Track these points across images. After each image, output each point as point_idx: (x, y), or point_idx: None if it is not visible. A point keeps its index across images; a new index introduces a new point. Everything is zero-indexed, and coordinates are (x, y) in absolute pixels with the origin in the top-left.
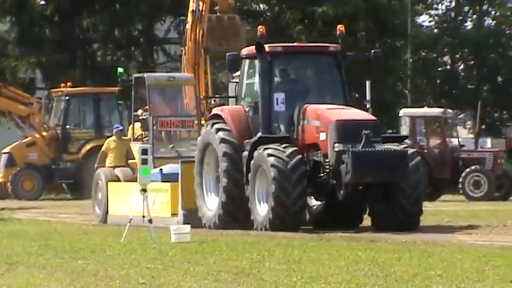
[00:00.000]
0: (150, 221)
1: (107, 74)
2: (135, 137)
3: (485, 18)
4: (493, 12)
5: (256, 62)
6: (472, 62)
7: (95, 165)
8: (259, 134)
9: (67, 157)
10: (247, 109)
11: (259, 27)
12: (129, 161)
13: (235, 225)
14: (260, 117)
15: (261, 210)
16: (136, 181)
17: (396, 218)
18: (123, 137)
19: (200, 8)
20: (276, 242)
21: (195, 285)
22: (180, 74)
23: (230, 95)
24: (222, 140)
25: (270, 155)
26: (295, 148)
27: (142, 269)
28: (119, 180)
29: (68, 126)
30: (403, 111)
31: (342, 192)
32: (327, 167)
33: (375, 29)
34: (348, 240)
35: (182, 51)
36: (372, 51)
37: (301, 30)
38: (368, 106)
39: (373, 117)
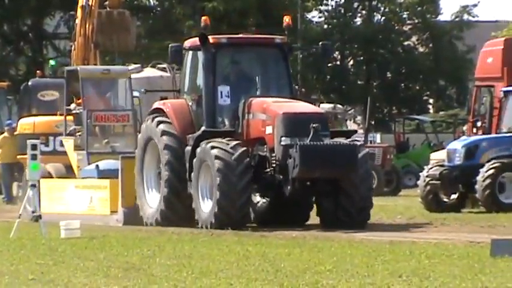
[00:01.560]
0: (40, 216)
1: None
2: (68, 131)
3: (375, 14)
4: (382, 8)
5: (200, 53)
6: (362, 58)
7: None
8: (202, 128)
9: None
10: (190, 103)
11: (203, 17)
12: (19, 156)
13: (178, 221)
14: (204, 111)
15: (205, 207)
16: (69, 177)
17: (346, 212)
18: (15, 133)
19: (90, 3)
20: (167, 238)
21: (85, 281)
22: (115, 67)
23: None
24: (164, 133)
25: (213, 147)
26: (239, 141)
27: (32, 264)
28: (50, 176)
29: None
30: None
31: (289, 187)
32: (274, 161)
33: (265, 25)
34: (238, 236)
35: (72, 46)
36: (320, 43)
37: (191, 25)
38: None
39: (321, 110)
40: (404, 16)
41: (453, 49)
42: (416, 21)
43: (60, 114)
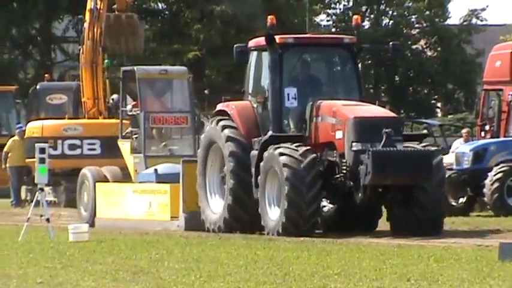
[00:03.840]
0: (48, 220)
1: (4, 73)
2: (123, 134)
3: (383, 17)
4: (390, 12)
5: (264, 54)
6: (370, 62)
7: (2, 166)
8: (269, 133)
9: None
10: (255, 105)
11: (269, 17)
12: (27, 160)
13: (242, 230)
14: (270, 114)
15: (273, 214)
16: (125, 181)
17: (418, 221)
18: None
19: (98, 7)
20: (175, 241)
21: (93, 285)
22: (172, 67)
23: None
24: (229, 138)
25: (281, 154)
26: (309, 147)
27: (40, 268)
28: (107, 180)
29: None
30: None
31: (359, 194)
32: (344, 167)
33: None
34: (246, 239)
35: (80, 50)
36: (390, 42)
37: (199, 29)
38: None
39: (393, 114)
40: (413, 20)
41: (461, 53)
42: (424, 25)
43: (69, 118)
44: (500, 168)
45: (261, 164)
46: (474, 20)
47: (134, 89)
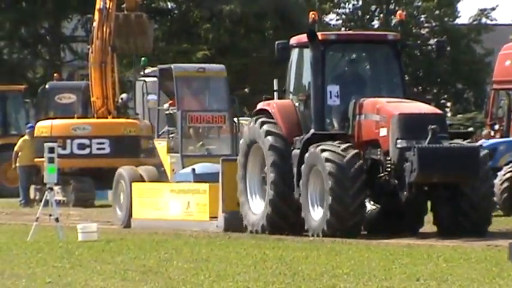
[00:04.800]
0: (57, 219)
1: (14, 72)
2: (159, 133)
3: (392, 17)
4: (399, 11)
5: (306, 51)
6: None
7: (13, 166)
8: (312, 131)
9: None
10: (296, 103)
11: (310, 12)
12: (36, 160)
13: (285, 227)
14: (312, 112)
15: (316, 214)
16: (161, 181)
17: (467, 217)
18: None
19: (107, 6)
20: (184, 241)
21: (102, 284)
22: (210, 65)
23: (137, 93)
24: (268, 133)
25: (323, 150)
26: (356, 151)
27: (49, 267)
28: (143, 180)
29: None
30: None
31: (405, 193)
32: (388, 165)
33: (283, 27)
34: (255, 239)
35: (89, 49)
36: (435, 39)
37: (208, 28)
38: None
39: (439, 111)
40: (422, 19)
41: (471, 52)
42: (434, 24)
43: (78, 117)
44: (510, 167)
45: (303, 166)
46: (484, 20)
47: (171, 87)
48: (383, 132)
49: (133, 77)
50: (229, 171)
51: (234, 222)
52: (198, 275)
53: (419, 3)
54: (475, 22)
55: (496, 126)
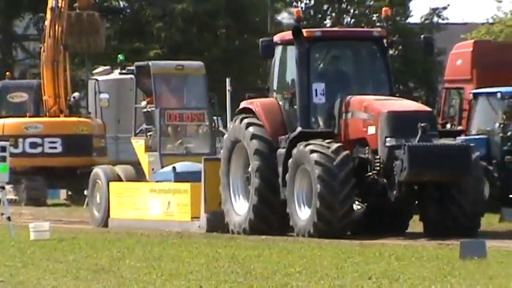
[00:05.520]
0: (9, 218)
1: None
2: (137, 131)
3: (344, 16)
4: (351, 11)
5: (290, 48)
6: None
7: None
8: (299, 129)
9: None
10: (281, 102)
11: (295, 9)
12: None
13: (268, 232)
14: (298, 110)
15: (302, 214)
16: (140, 180)
17: (455, 220)
18: None
19: (59, 5)
20: (136, 240)
21: (54, 283)
22: (188, 62)
23: (90, 92)
24: (254, 136)
25: (312, 151)
26: (341, 144)
27: (1, 266)
28: (120, 179)
29: None
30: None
31: (394, 192)
32: (377, 164)
33: (235, 26)
34: (207, 238)
35: (41, 48)
36: (422, 36)
37: (161, 27)
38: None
39: (428, 108)
40: (374, 18)
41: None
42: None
43: (30, 116)
44: None
45: (290, 161)
46: (435, 19)
47: (148, 84)
48: (371, 130)
49: (85, 76)
50: (212, 170)
51: (217, 223)
52: (151, 273)
53: (371, 3)
54: (427, 21)
55: (448, 125)
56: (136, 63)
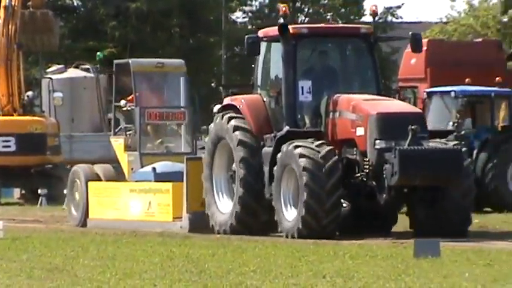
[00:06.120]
0: None
1: None
2: (116, 130)
3: (299, 15)
4: (306, 9)
5: (274, 45)
6: None
7: None
8: (286, 128)
9: None
10: (265, 98)
11: (281, 5)
12: None
13: (255, 225)
14: (284, 109)
15: (289, 215)
16: (119, 180)
17: (444, 225)
18: None
19: (13, 4)
20: (90, 238)
21: (8, 282)
22: (169, 60)
23: (43, 91)
24: (236, 128)
25: (301, 155)
26: (331, 147)
27: None
28: (99, 178)
29: None
30: (217, 107)
31: (384, 195)
32: (366, 166)
33: (189, 25)
34: (162, 236)
35: None
36: (410, 32)
37: (115, 26)
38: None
39: (418, 110)
40: (328, 17)
41: (377, 50)
42: (340, 22)
43: None
44: None
45: (277, 161)
46: (389, 18)
47: (128, 83)
48: (360, 131)
49: (39, 75)
50: (194, 170)
51: (199, 223)
52: (105, 272)
53: (325, 1)
54: (380, 20)
55: None
56: (116, 61)
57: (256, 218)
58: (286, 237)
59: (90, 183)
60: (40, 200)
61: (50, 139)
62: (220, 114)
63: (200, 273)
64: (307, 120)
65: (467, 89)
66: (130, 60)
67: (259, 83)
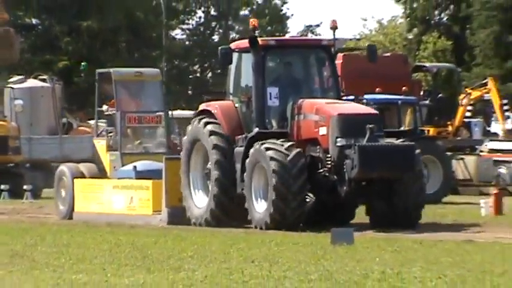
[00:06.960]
0: None
1: None
2: (98, 132)
3: (230, 32)
4: (236, 27)
5: (245, 55)
6: (219, 71)
7: None
8: (256, 130)
9: None
10: (237, 104)
11: (251, 20)
12: None
13: (228, 221)
14: (254, 112)
15: (259, 207)
16: (102, 177)
17: (399, 213)
18: None
19: None
20: (47, 228)
21: None
22: (146, 69)
23: (5, 98)
24: (212, 133)
25: (268, 148)
26: (299, 150)
27: None
28: (83, 176)
29: None
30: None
31: (344, 188)
32: (328, 162)
33: (134, 41)
34: (110, 226)
35: None
36: (367, 44)
37: (68, 41)
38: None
39: (375, 111)
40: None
41: None
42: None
43: None
44: None
45: (248, 159)
46: (310, 35)
47: (109, 90)
48: (322, 131)
49: (1, 84)
50: (172, 168)
51: (177, 216)
52: (60, 258)
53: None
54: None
55: None
56: (98, 70)
57: (228, 214)
58: (255, 227)
59: (76, 180)
60: (2, 194)
61: (11, 141)
62: (197, 118)
63: (144, 258)
64: (274, 123)
65: (377, 97)
66: (111, 70)
67: (231, 90)
